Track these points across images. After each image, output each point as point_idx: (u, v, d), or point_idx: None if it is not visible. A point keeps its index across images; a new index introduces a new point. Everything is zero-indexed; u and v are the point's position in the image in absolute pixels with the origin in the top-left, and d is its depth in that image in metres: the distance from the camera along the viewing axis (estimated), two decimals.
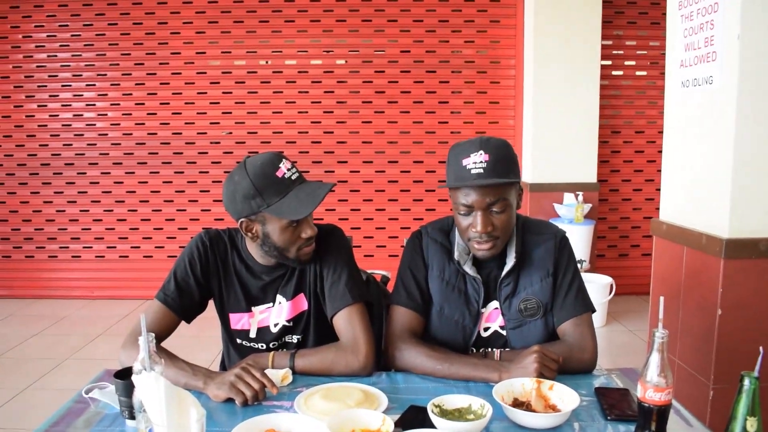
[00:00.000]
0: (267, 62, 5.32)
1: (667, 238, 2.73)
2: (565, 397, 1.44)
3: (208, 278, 1.80)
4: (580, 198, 4.76)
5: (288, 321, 1.82)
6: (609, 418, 1.42)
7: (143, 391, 1.09)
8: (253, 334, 1.83)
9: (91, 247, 5.51)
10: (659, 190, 2.89)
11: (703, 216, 2.49)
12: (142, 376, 1.09)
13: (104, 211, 5.45)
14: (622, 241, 5.51)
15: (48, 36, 5.25)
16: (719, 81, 2.35)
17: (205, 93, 5.31)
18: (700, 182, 2.52)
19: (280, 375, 1.61)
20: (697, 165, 2.54)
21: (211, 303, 1.87)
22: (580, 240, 4.62)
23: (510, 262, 1.74)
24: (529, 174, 4.98)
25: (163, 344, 1.70)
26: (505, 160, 1.63)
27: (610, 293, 4.55)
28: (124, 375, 1.39)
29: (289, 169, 1.66)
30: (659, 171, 2.93)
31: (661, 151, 2.88)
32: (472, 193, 1.62)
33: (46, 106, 5.34)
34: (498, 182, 1.60)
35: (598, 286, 4.48)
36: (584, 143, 4.96)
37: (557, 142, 4.91)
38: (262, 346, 1.84)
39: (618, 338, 4.46)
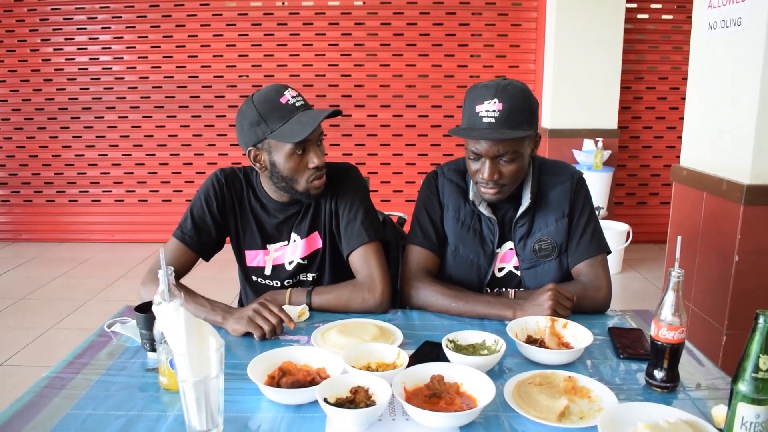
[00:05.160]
0: (283, 3, 5.22)
1: (687, 183, 2.70)
2: (579, 335, 1.46)
3: (225, 216, 1.82)
4: (600, 144, 4.70)
5: (302, 259, 1.84)
6: (621, 356, 1.43)
7: (163, 321, 1.11)
8: (268, 272, 1.86)
9: (110, 191, 5.57)
10: (681, 137, 2.84)
11: (724, 162, 2.46)
12: (162, 307, 1.11)
13: (122, 155, 5.49)
14: (640, 189, 5.46)
15: None
16: (748, 22, 2.28)
17: (221, 35, 5.24)
18: (723, 127, 2.47)
19: (297, 311, 1.64)
20: (721, 110, 2.48)
21: (227, 243, 1.89)
22: (598, 187, 4.59)
23: (525, 202, 1.73)
24: (548, 119, 4.91)
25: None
26: (520, 110, 1.57)
27: (627, 240, 4.53)
28: (144, 309, 1.42)
29: (293, 97, 1.66)
30: (681, 119, 2.87)
31: (684, 98, 2.82)
32: (482, 141, 1.59)
33: (62, 49, 5.31)
34: (504, 138, 1.56)
35: (614, 233, 4.46)
36: (606, 89, 4.86)
37: (578, 87, 4.82)
38: (277, 284, 1.86)
39: (633, 285, 4.47)
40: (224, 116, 5.36)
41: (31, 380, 1.32)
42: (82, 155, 5.50)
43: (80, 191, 5.58)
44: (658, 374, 1.27)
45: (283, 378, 1.26)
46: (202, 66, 5.30)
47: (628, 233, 4.53)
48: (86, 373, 1.36)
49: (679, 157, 2.84)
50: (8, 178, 5.56)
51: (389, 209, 2.34)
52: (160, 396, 1.26)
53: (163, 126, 5.42)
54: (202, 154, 5.46)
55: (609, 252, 1.78)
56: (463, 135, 1.62)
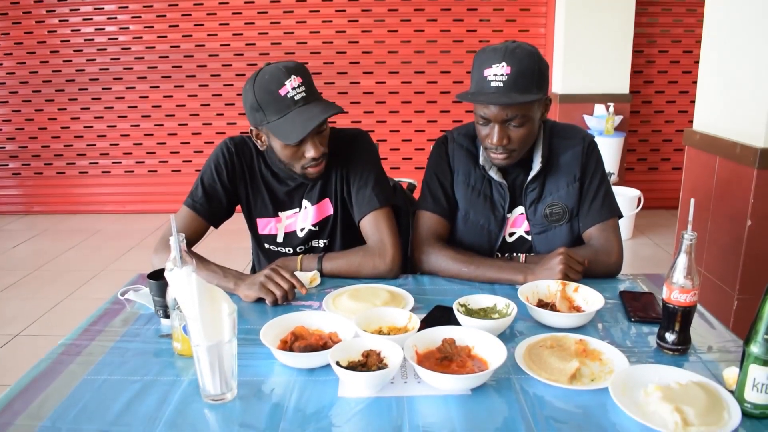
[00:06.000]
0: None
1: (700, 147, 2.67)
2: (590, 298, 1.46)
3: (235, 184, 1.82)
4: (611, 109, 4.64)
5: (314, 225, 1.84)
6: (632, 319, 1.43)
7: (176, 287, 1.12)
8: (280, 239, 1.86)
9: (120, 162, 5.58)
10: (693, 102, 2.79)
11: (738, 125, 2.42)
12: (175, 273, 1.12)
13: (131, 126, 5.48)
14: (652, 155, 5.41)
15: None
16: None
17: (227, 3, 5.18)
18: (737, 90, 2.43)
19: (308, 277, 1.65)
20: (736, 72, 2.44)
21: (239, 212, 1.90)
22: (609, 152, 4.54)
23: (536, 167, 1.72)
24: (559, 84, 4.84)
25: None
26: (528, 73, 1.55)
27: (638, 206, 4.51)
28: (157, 277, 1.43)
29: (294, 88, 1.59)
30: (694, 83, 2.82)
31: (697, 62, 2.76)
32: (491, 105, 1.57)
33: (67, 20, 5.27)
34: (512, 102, 1.54)
35: (625, 199, 4.43)
36: (618, 52, 4.78)
37: (589, 52, 4.74)
38: (289, 251, 1.87)
39: (644, 251, 4.46)
40: (231, 85, 5.33)
41: (47, 349, 1.33)
42: (91, 126, 5.50)
43: (90, 163, 5.59)
44: (670, 337, 1.27)
45: (295, 342, 1.27)
46: (209, 35, 5.25)
47: (640, 199, 4.50)
48: (101, 339, 1.38)
49: (691, 122, 2.80)
50: (18, 150, 5.58)
51: (399, 176, 2.33)
52: (174, 361, 1.27)
53: (171, 96, 5.40)
54: (211, 124, 5.45)
55: (621, 216, 1.77)
56: (471, 100, 1.60)
